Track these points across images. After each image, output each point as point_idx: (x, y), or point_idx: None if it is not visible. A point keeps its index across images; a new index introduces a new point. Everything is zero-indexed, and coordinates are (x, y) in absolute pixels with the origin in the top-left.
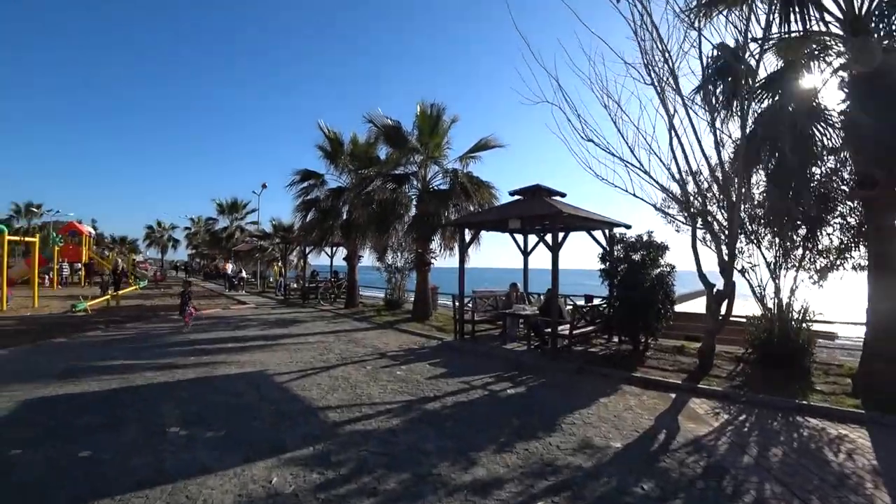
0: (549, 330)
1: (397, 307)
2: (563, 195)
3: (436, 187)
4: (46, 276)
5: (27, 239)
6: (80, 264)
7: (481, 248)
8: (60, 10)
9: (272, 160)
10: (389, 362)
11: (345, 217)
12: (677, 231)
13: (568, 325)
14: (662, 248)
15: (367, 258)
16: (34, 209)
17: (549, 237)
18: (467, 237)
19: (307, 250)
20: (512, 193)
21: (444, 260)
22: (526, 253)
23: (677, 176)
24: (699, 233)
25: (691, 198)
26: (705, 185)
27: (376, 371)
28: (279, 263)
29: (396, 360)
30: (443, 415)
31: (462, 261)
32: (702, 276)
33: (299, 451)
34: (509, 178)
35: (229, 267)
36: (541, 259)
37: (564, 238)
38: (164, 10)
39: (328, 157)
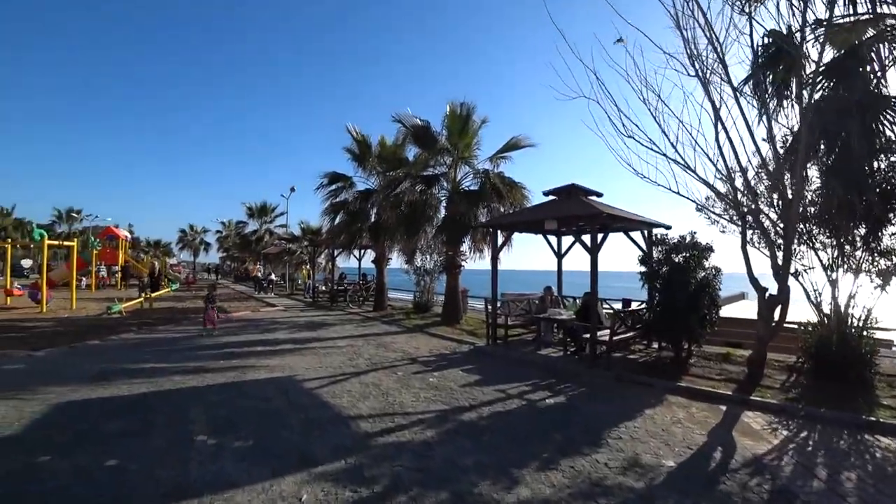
0: (588, 336)
1: (426, 310)
2: (599, 195)
3: (466, 188)
4: (84, 279)
5: (66, 243)
6: (116, 267)
7: (512, 250)
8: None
9: (301, 163)
10: (421, 368)
11: (373, 219)
12: (722, 232)
13: (608, 331)
14: (707, 250)
15: (396, 261)
16: (74, 214)
17: (586, 238)
18: (500, 239)
19: (335, 253)
20: (546, 193)
21: (473, 262)
22: (560, 255)
23: (724, 172)
24: (748, 233)
25: (740, 195)
26: (755, 181)
27: (408, 377)
28: (307, 266)
29: (428, 366)
30: (480, 426)
31: (495, 263)
32: (753, 280)
33: (330, 464)
34: (538, 177)
35: (259, 270)
36: (573, 261)
37: (604, 239)
38: (187, 9)
39: (356, 159)
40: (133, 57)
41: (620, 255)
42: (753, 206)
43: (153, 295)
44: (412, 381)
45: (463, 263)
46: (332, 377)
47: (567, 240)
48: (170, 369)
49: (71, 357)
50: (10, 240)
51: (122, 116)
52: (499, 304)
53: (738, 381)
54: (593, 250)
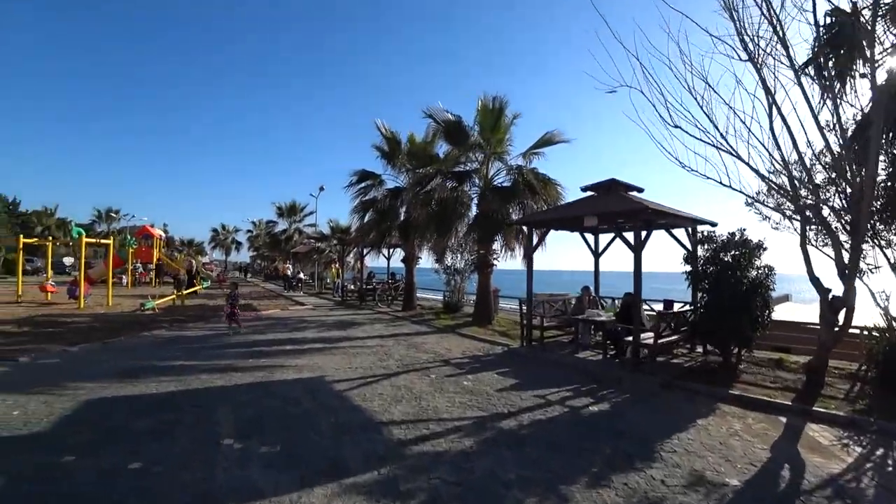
0: (630, 339)
1: (456, 310)
2: (640, 190)
3: (498, 185)
4: (123, 276)
5: (102, 241)
6: (151, 265)
7: (546, 249)
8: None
9: (330, 161)
10: (454, 371)
11: (402, 218)
12: (775, 228)
13: (651, 334)
14: (759, 248)
15: (426, 259)
16: (113, 214)
17: (629, 236)
18: (535, 237)
19: (364, 252)
20: (584, 189)
21: (503, 262)
22: (597, 254)
23: (780, 163)
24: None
25: (800, 188)
26: (816, 173)
27: (441, 380)
28: (337, 265)
29: (462, 369)
30: (520, 435)
31: (530, 262)
32: (815, 281)
33: (362, 475)
34: (569, 173)
35: (288, 268)
36: (607, 262)
37: (647, 237)
38: (212, 8)
39: (385, 156)
40: (160, 57)
41: (656, 255)
42: (814, 200)
43: (185, 292)
44: (446, 385)
45: (495, 262)
46: (362, 378)
47: (604, 238)
48: (198, 367)
49: (104, 353)
50: (51, 238)
51: (162, 117)
52: (534, 305)
53: (796, 390)
54: (637, 248)
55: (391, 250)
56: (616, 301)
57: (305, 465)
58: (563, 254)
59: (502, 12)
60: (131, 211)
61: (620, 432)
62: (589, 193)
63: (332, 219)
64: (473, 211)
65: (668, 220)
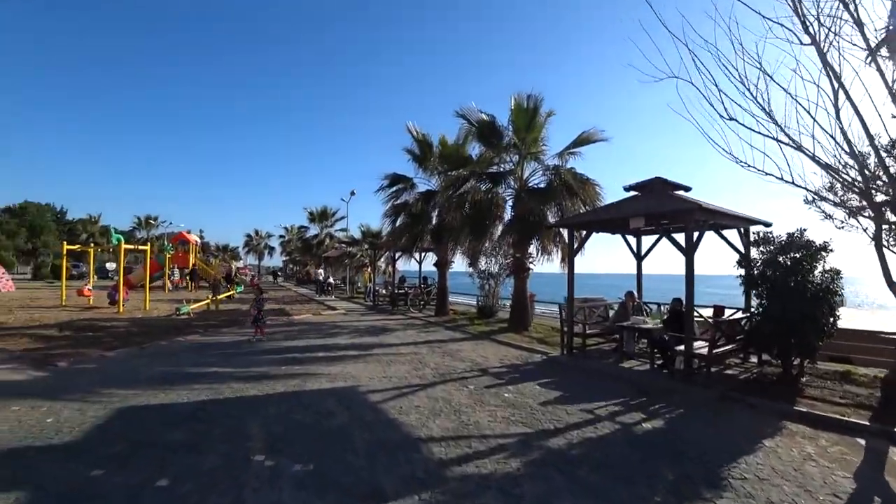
0: (682, 348)
1: (490, 315)
2: (687, 189)
3: (534, 186)
4: (162, 281)
5: (140, 247)
6: (186, 269)
7: (584, 253)
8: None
9: (361, 166)
10: (493, 381)
11: (435, 221)
12: (840, 227)
13: (706, 344)
14: (823, 250)
15: (459, 263)
16: (151, 221)
17: (679, 237)
18: (576, 240)
19: (396, 256)
20: (627, 189)
21: (539, 266)
22: (640, 257)
23: (847, 156)
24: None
25: (872, 182)
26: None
27: (480, 392)
28: (369, 269)
29: (501, 379)
30: (571, 456)
31: (571, 266)
32: (892, 285)
33: (401, 500)
34: (605, 171)
35: (320, 273)
36: (650, 264)
37: (700, 238)
38: (244, 10)
39: (416, 160)
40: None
41: (701, 257)
42: (892, 195)
43: (220, 297)
44: (486, 397)
45: (531, 266)
46: (397, 389)
47: (647, 240)
48: (231, 375)
49: (139, 359)
50: (93, 244)
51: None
52: (575, 311)
53: (871, 408)
54: (689, 250)
55: (422, 254)
56: (662, 307)
57: (340, 488)
58: (602, 256)
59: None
60: (169, 218)
61: (680, 453)
62: (632, 193)
63: (364, 223)
64: (508, 213)
65: (719, 219)
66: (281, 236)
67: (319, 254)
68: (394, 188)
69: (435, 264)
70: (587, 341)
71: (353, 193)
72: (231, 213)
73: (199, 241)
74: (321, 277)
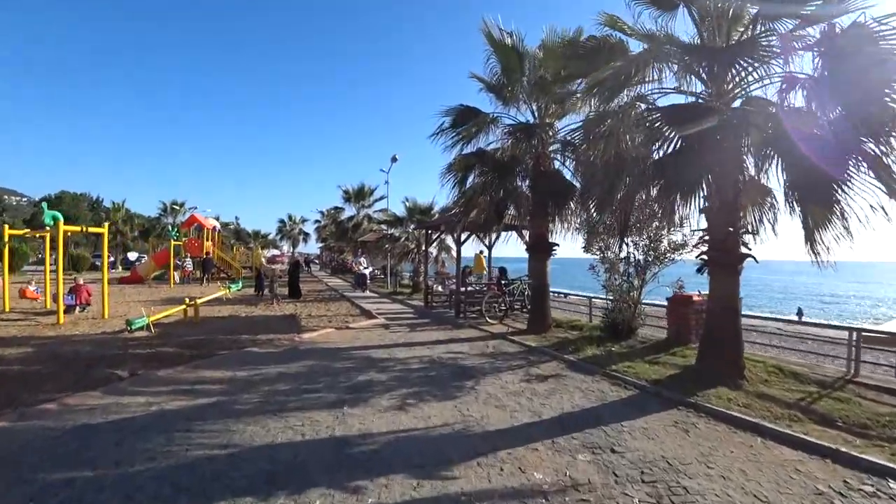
0: None
1: (626, 336)
2: None
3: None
4: (177, 273)
5: (89, 229)
6: (198, 258)
7: None
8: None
9: (401, 138)
10: None
11: (528, 182)
12: None
13: None
14: None
15: (568, 245)
16: (176, 206)
17: None
18: None
19: (462, 238)
20: None
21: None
22: None
23: None
24: None
25: None
26: None
27: None
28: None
29: None
30: None
31: None
32: None
33: None
34: None
35: (361, 263)
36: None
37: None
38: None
39: (493, 89)
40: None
41: None
42: None
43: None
44: None
45: (749, 250)
46: None
47: None
48: None
49: None
50: (29, 230)
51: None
52: None
53: None
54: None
55: (497, 235)
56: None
57: None
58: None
59: None
60: (200, 204)
61: None
62: None
63: (409, 196)
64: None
65: None
66: (317, 221)
67: (355, 238)
68: (460, 129)
69: (528, 248)
70: None
71: (394, 159)
72: (266, 201)
73: (217, 225)
74: (362, 268)
